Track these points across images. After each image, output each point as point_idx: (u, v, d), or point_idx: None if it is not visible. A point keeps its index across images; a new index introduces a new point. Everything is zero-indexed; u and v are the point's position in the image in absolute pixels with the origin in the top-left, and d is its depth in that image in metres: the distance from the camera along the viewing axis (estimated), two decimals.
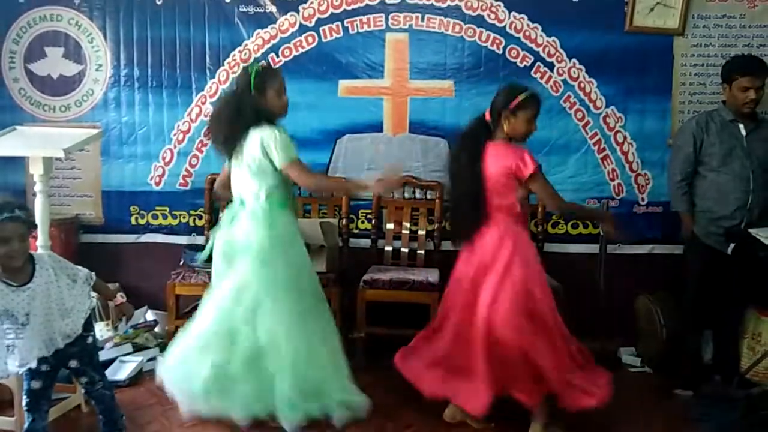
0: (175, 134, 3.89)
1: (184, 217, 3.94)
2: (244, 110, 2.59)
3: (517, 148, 2.60)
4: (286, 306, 2.54)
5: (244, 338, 2.50)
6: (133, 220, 3.99)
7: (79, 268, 2.37)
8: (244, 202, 2.65)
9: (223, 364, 2.47)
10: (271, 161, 2.56)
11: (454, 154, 2.84)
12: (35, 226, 2.33)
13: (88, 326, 2.35)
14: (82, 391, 2.44)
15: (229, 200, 2.76)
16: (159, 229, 3.97)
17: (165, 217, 3.96)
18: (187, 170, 3.90)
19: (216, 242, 2.72)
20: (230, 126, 2.61)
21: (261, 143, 2.54)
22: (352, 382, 2.63)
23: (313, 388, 2.50)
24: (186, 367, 2.53)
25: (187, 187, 3.90)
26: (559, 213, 2.63)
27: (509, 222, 2.61)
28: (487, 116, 2.65)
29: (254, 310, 2.52)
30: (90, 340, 2.37)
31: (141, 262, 3.95)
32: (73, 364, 2.32)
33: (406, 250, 3.76)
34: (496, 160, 2.58)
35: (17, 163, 3.82)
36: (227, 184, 2.75)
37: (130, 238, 4.00)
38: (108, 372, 3.12)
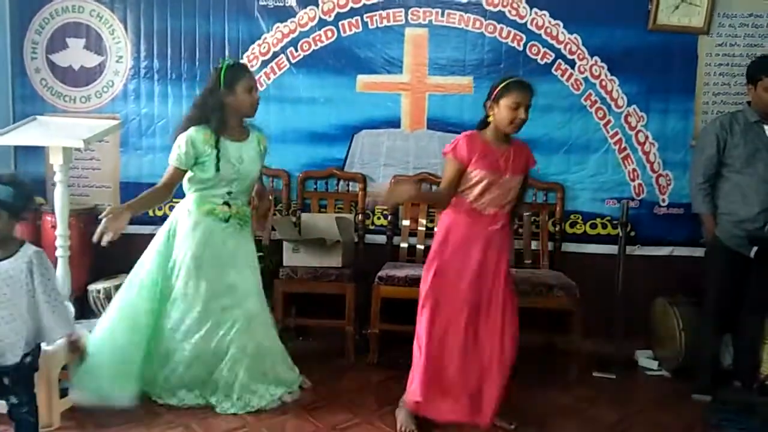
0: None
1: None
2: (207, 107, 2.70)
3: (465, 135, 2.59)
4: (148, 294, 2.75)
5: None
6: (150, 212, 3.99)
7: (66, 305, 2.26)
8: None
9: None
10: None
11: None
12: (21, 209, 2.10)
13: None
14: (5, 410, 2.19)
15: None
16: None
17: None
18: None
19: None
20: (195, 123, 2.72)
21: None
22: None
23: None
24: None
25: None
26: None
27: (451, 208, 2.62)
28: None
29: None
30: (29, 359, 2.14)
31: None
32: (6, 380, 2.10)
33: (422, 247, 3.73)
34: None
35: (37, 152, 3.86)
36: None
37: (147, 229, 3.97)
38: None
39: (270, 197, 3.20)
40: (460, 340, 2.55)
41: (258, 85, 2.82)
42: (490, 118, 2.58)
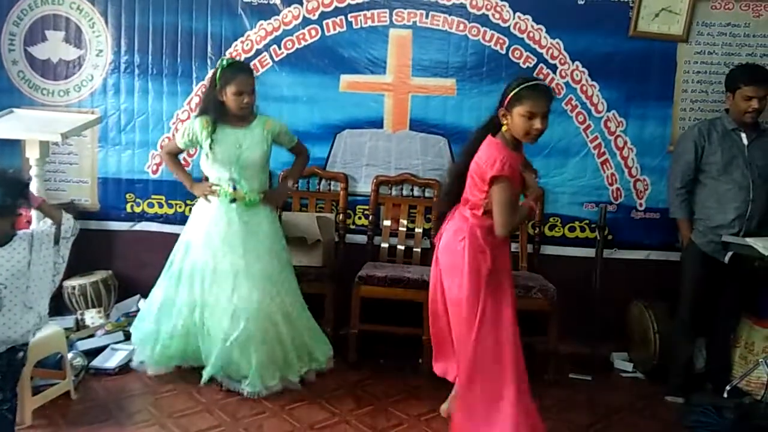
0: (173, 123, 3.86)
1: (179, 207, 3.92)
2: (207, 101, 2.96)
3: (500, 149, 2.30)
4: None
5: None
6: (128, 208, 3.96)
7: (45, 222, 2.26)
8: None
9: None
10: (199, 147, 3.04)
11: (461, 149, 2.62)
12: (16, 205, 2.13)
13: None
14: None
15: None
16: (154, 218, 3.95)
17: (161, 206, 3.93)
18: (184, 159, 3.86)
19: None
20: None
21: None
22: None
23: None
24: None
25: None
26: (504, 235, 2.35)
27: (471, 220, 2.40)
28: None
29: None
30: (21, 355, 2.17)
31: (135, 250, 3.93)
32: None
33: (403, 248, 3.75)
34: (479, 154, 2.36)
35: (13, 146, 3.78)
36: None
37: (124, 225, 3.97)
38: (98, 360, 3.13)
39: (291, 185, 3.27)
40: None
41: (252, 87, 2.93)
42: (504, 127, 2.34)
